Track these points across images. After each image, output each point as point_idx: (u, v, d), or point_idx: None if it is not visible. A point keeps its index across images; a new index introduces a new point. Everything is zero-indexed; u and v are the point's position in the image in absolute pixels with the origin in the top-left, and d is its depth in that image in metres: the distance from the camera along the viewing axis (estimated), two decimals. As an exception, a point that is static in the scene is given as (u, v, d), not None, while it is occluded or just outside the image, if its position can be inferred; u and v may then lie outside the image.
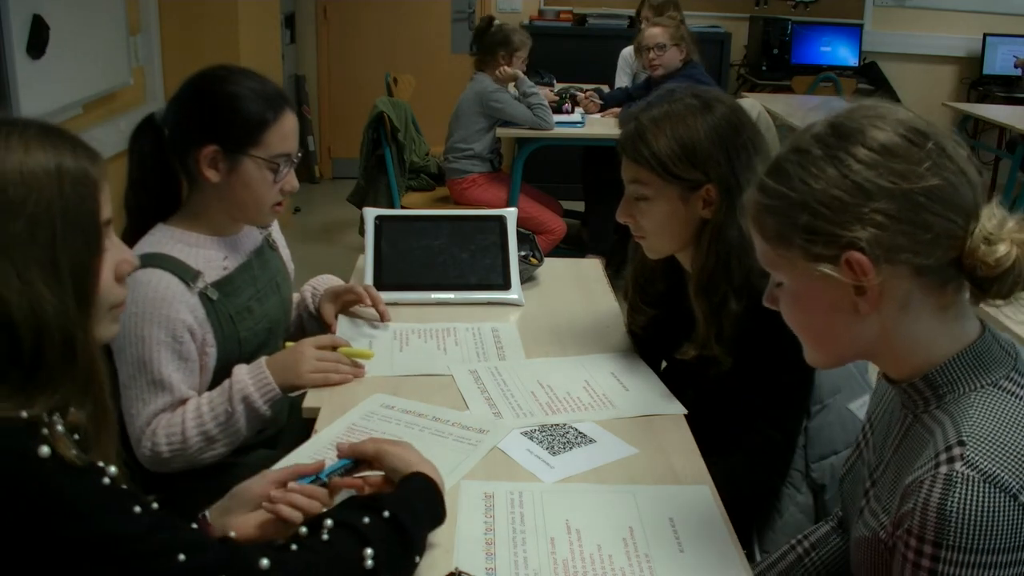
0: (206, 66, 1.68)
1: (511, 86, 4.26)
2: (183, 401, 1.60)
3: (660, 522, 1.31)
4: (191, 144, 1.61)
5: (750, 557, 1.30)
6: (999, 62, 6.23)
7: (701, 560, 1.23)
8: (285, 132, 1.64)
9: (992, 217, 0.99)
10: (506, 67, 4.21)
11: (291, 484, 1.22)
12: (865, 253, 0.99)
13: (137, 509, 0.93)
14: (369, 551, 1.06)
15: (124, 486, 0.96)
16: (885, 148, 1.00)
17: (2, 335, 0.91)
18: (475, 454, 1.47)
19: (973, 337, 1.05)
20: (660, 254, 1.71)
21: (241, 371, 1.63)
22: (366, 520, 1.09)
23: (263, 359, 1.66)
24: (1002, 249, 0.97)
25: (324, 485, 1.24)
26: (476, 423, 1.56)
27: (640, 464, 1.47)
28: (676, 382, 1.73)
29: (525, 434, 1.54)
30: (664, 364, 1.87)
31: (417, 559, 1.14)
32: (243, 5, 4.16)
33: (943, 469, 0.96)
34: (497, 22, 4.39)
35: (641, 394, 1.70)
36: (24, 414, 0.91)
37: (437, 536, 1.23)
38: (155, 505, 0.96)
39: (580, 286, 2.27)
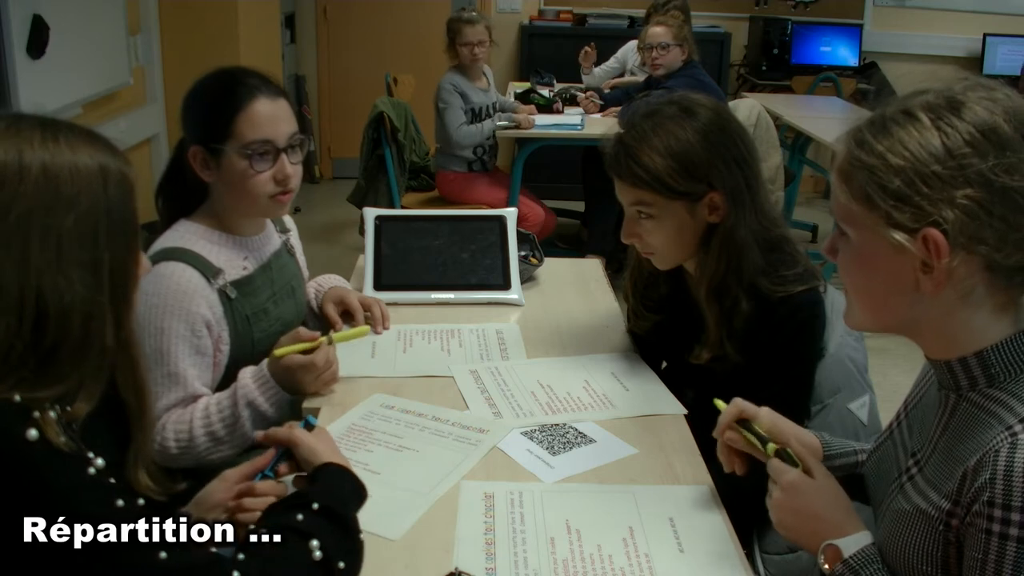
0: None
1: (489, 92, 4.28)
2: (195, 397, 1.60)
3: (660, 522, 1.31)
4: (186, 149, 1.65)
5: (750, 557, 1.30)
6: (999, 62, 6.22)
7: (701, 560, 1.24)
8: (254, 118, 1.61)
9: None
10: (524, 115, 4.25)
11: (244, 485, 1.24)
12: (946, 235, 0.97)
13: (120, 503, 0.93)
14: (315, 543, 1.06)
15: (112, 479, 0.96)
16: (994, 133, 0.97)
17: (32, 325, 0.93)
18: (475, 454, 1.47)
19: None
20: (671, 266, 1.68)
21: (245, 375, 1.63)
22: (299, 517, 1.10)
23: (265, 361, 1.66)
24: None
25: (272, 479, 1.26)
26: (476, 423, 1.56)
27: (640, 464, 1.47)
28: (676, 382, 1.73)
29: (525, 434, 1.54)
30: (664, 364, 1.87)
31: (361, 537, 1.14)
32: (243, 5, 4.15)
33: (1023, 437, 0.94)
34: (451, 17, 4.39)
35: (641, 394, 1.70)
36: (17, 397, 0.92)
37: (437, 536, 1.23)
38: (141, 501, 0.96)
39: (580, 286, 2.27)
